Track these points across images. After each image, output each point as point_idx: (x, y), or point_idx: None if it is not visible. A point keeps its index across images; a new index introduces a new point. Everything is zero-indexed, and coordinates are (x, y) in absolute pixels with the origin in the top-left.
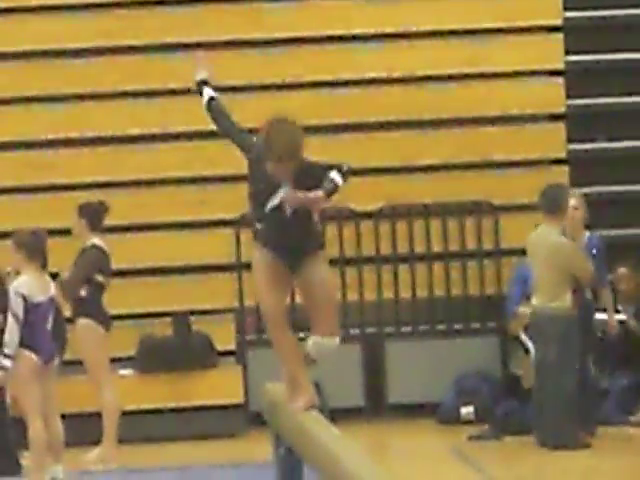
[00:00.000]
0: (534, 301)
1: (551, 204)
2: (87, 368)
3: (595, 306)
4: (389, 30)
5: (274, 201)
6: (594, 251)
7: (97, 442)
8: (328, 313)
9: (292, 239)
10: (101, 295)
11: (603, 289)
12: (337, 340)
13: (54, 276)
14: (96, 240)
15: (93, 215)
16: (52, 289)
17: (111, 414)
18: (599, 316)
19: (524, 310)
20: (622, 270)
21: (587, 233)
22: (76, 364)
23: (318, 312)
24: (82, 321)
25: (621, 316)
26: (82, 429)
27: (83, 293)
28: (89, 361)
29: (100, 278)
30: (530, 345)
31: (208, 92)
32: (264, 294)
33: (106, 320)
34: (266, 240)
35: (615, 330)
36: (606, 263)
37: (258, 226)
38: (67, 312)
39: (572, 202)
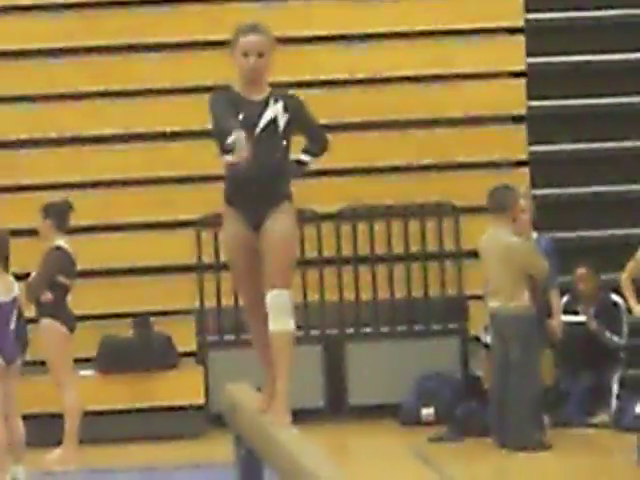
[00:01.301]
0: (491, 303)
1: (499, 204)
2: (49, 368)
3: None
4: (351, 31)
5: (267, 117)
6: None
7: (58, 443)
8: (280, 265)
9: (274, 166)
10: (65, 296)
11: (552, 290)
12: (286, 292)
13: (18, 277)
14: (61, 241)
15: (59, 215)
16: (15, 289)
17: (73, 415)
18: (562, 317)
19: None
20: (581, 270)
21: (534, 234)
22: (37, 365)
23: (271, 265)
24: (45, 321)
25: (581, 318)
26: (43, 430)
27: (48, 295)
28: (52, 361)
29: (64, 280)
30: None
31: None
32: (237, 285)
33: (70, 321)
34: (240, 181)
35: (559, 334)
36: (556, 264)
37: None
38: (31, 313)
39: (520, 203)
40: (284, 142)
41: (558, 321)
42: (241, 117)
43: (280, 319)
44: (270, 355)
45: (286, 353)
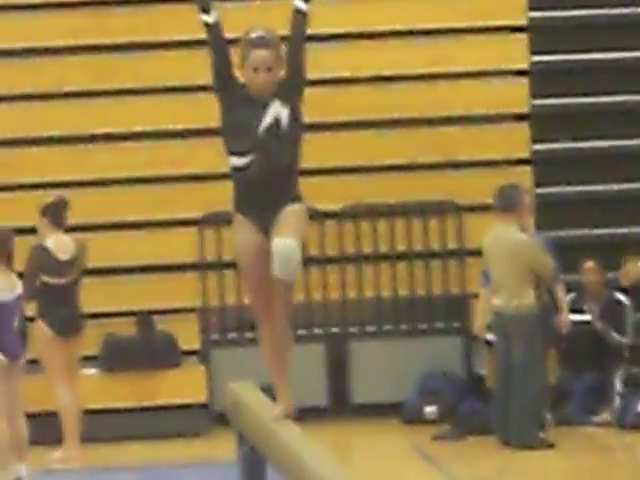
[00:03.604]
0: (496, 301)
1: (507, 202)
2: (43, 368)
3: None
4: (353, 30)
5: (268, 119)
6: None
7: (62, 441)
8: (289, 223)
9: (281, 169)
10: (55, 296)
11: (557, 287)
12: (293, 241)
13: (20, 275)
14: (49, 240)
15: (54, 212)
16: (19, 287)
17: (68, 414)
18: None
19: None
20: (589, 264)
21: (532, 232)
22: (40, 363)
23: (279, 225)
24: (37, 321)
25: (586, 316)
26: (46, 428)
27: (36, 294)
28: (42, 361)
29: (46, 278)
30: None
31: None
32: (250, 292)
33: (59, 323)
34: (248, 186)
35: (567, 328)
36: (556, 262)
37: (239, 161)
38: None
39: (526, 201)
40: (291, 142)
41: (566, 316)
42: (242, 116)
43: (284, 265)
44: (280, 367)
45: (287, 298)
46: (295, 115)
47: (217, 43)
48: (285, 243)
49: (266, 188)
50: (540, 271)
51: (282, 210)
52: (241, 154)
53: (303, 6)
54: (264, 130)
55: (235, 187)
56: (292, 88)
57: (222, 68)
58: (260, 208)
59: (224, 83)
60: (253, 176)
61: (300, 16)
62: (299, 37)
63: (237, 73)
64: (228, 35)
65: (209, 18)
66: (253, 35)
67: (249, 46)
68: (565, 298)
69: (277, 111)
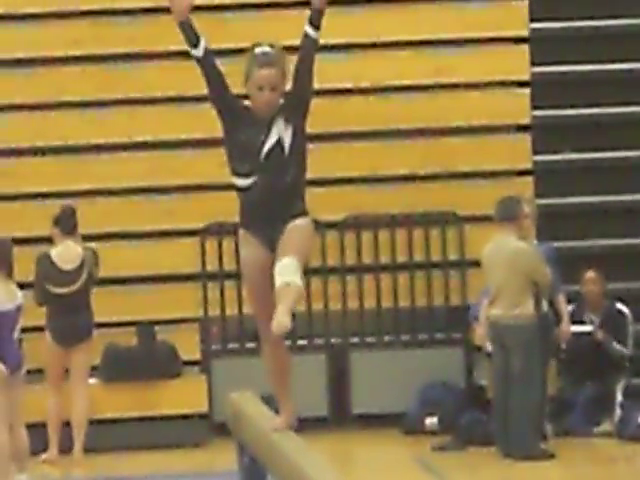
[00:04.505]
0: (494, 311)
1: (507, 213)
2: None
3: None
4: (355, 40)
5: (271, 141)
6: None
7: (66, 450)
8: (293, 242)
9: (285, 189)
10: (59, 306)
11: (558, 296)
12: (296, 261)
13: (22, 286)
14: (54, 249)
15: (62, 220)
16: (19, 298)
17: (52, 422)
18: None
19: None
20: (590, 274)
21: (534, 242)
22: (40, 373)
23: (283, 244)
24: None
25: (587, 327)
26: (47, 438)
27: (44, 301)
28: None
29: (50, 287)
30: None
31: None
32: (254, 308)
33: (59, 333)
34: (252, 206)
35: (567, 338)
36: (558, 272)
37: (242, 182)
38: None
39: (524, 211)
40: (294, 162)
41: (567, 326)
42: (244, 138)
43: (287, 276)
44: (282, 380)
45: (291, 292)
46: (299, 134)
47: (210, 74)
48: (284, 264)
49: (270, 207)
50: (538, 280)
51: (287, 226)
52: (244, 175)
53: (313, 33)
54: (267, 152)
55: (240, 205)
56: (297, 108)
57: (219, 95)
58: (265, 224)
59: (224, 107)
60: (257, 196)
61: (309, 41)
62: (307, 61)
63: (240, 87)
64: (234, 45)
65: (198, 52)
66: (258, 51)
67: (254, 64)
68: (566, 308)
69: (280, 131)
